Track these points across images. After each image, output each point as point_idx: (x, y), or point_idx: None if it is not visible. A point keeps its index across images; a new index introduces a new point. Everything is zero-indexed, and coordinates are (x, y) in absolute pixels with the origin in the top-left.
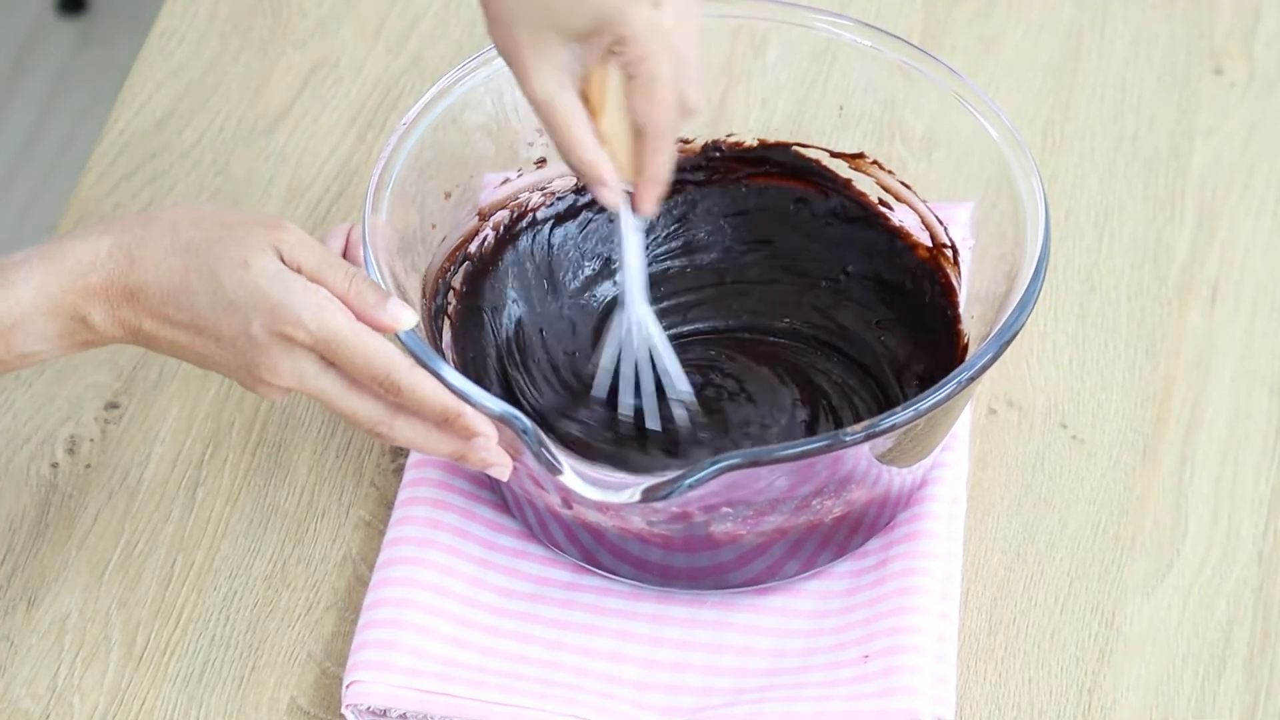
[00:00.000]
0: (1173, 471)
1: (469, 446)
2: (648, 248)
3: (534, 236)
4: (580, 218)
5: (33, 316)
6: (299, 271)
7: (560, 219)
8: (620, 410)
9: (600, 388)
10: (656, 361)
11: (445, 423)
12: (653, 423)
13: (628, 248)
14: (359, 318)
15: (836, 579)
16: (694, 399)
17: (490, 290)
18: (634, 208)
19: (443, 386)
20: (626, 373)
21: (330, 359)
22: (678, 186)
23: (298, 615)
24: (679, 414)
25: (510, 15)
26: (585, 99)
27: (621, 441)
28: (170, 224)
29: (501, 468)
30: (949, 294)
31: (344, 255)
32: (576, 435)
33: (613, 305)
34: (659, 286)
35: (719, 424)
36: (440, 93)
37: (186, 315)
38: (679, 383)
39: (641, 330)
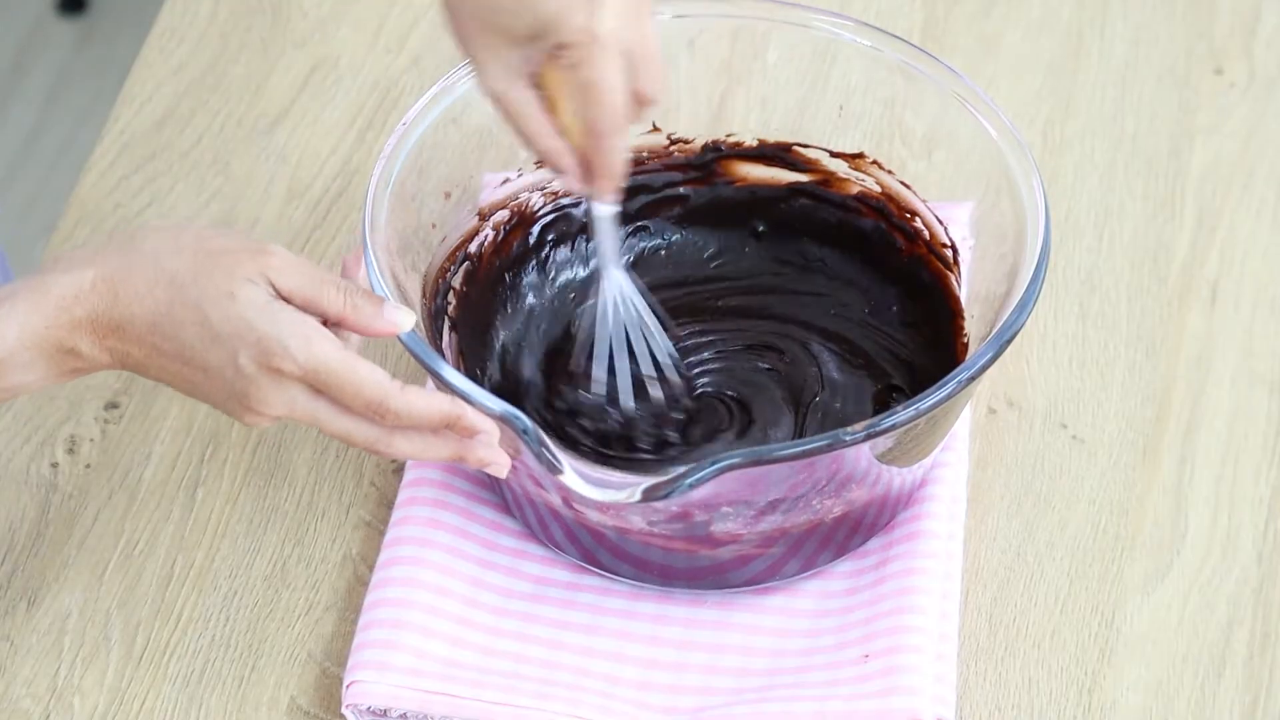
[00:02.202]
0: (1173, 471)
1: (468, 448)
2: (645, 249)
3: (533, 238)
4: (578, 221)
5: (18, 351)
6: (290, 296)
7: (557, 221)
8: (594, 387)
9: (584, 366)
10: (644, 331)
11: (448, 428)
12: (628, 399)
13: (599, 228)
14: (361, 331)
15: (837, 579)
16: (679, 366)
17: (490, 291)
18: (592, 197)
19: (437, 396)
20: (603, 351)
21: (320, 389)
22: (676, 186)
23: (298, 615)
24: (658, 394)
25: (461, 16)
26: (544, 91)
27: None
28: (151, 254)
29: (500, 465)
30: (949, 294)
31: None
32: (576, 430)
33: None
34: (656, 285)
35: (709, 417)
36: (440, 93)
37: (173, 346)
38: (664, 347)
39: (623, 300)
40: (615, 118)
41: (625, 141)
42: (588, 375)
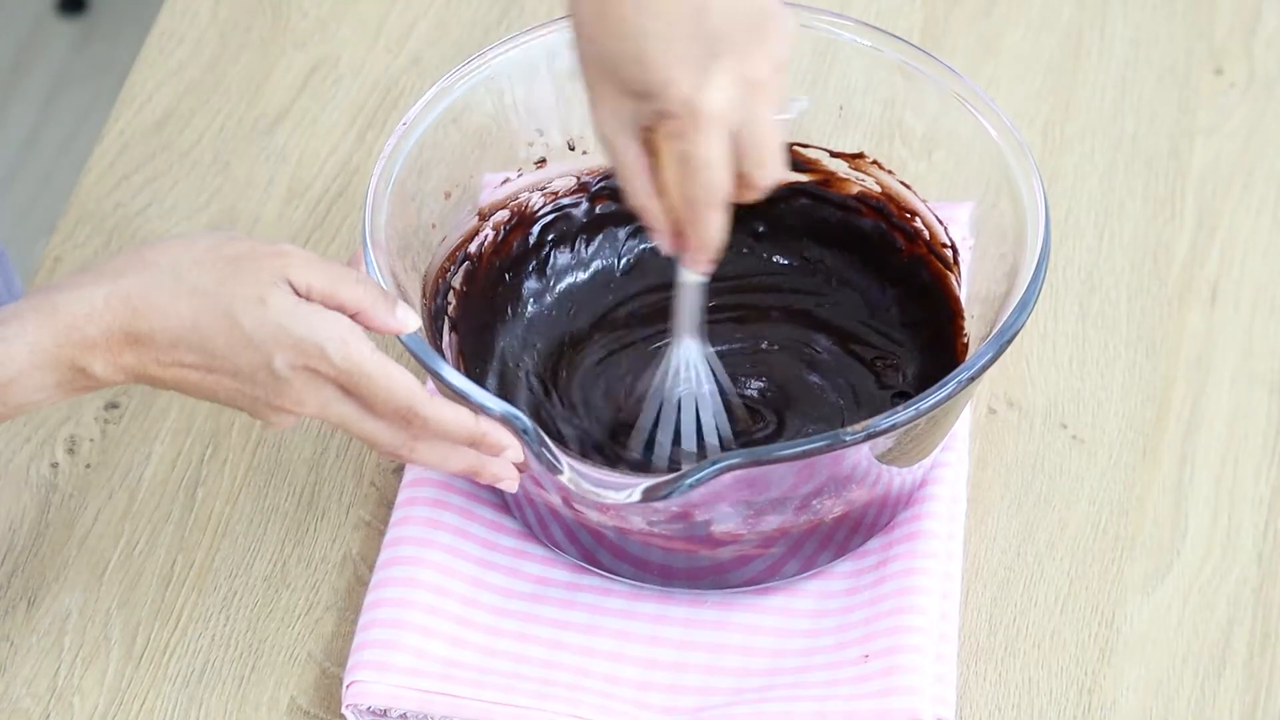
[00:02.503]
0: (1173, 471)
1: (485, 463)
2: (644, 249)
3: (533, 238)
4: (578, 222)
5: (29, 372)
6: (310, 292)
7: (557, 221)
8: (655, 457)
9: (640, 428)
10: (701, 413)
11: (471, 445)
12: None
13: (683, 291)
14: (372, 326)
15: (837, 579)
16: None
17: (490, 290)
18: (682, 263)
19: (464, 413)
20: (666, 415)
21: (352, 391)
22: None
23: (298, 615)
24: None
25: (587, 59)
26: (651, 145)
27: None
28: (170, 267)
29: (511, 481)
30: (949, 294)
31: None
32: (574, 434)
33: (615, 311)
34: (655, 286)
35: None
36: (440, 93)
37: (199, 357)
38: (716, 434)
39: (689, 371)
40: (711, 194)
41: (722, 218)
42: (629, 437)
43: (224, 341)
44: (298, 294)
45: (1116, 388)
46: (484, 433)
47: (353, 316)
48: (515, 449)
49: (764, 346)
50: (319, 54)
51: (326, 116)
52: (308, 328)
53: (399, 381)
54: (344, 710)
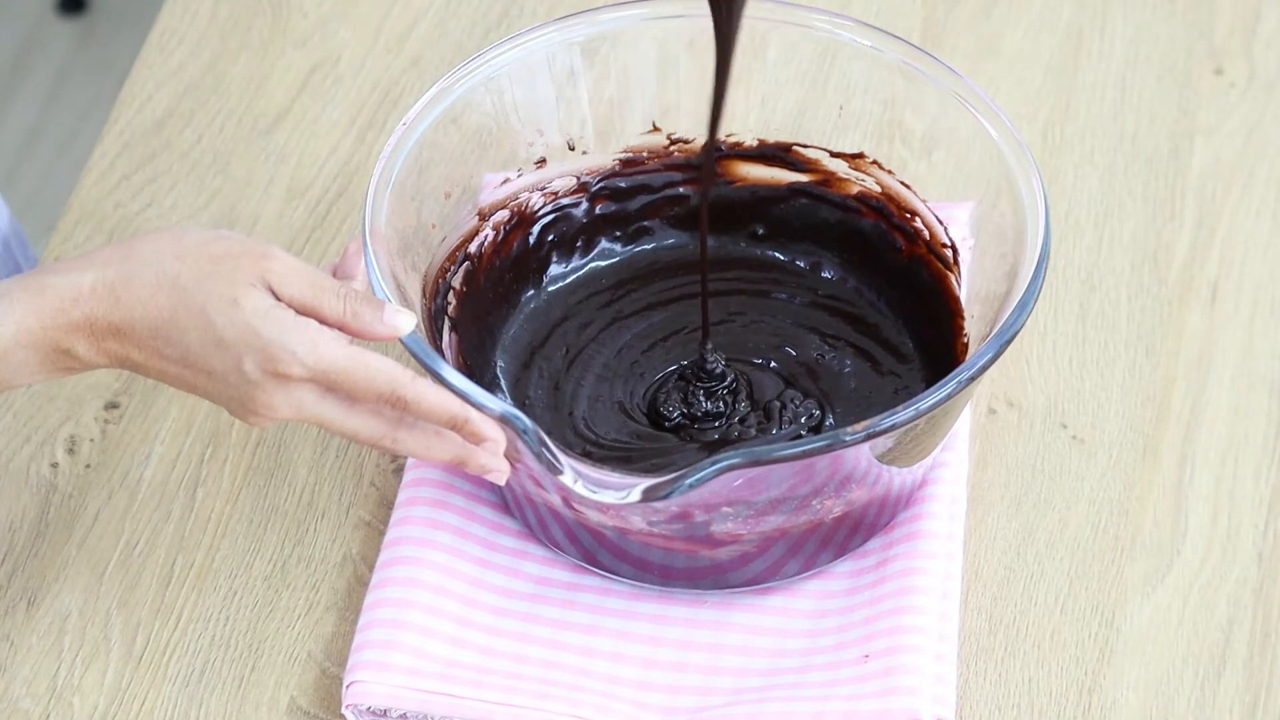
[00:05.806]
0: (1173, 471)
1: (471, 451)
2: (645, 249)
3: (533, 238)
4: (578, 222)
5: (13, 350)
6: (290, 302)
7: (557, 221)
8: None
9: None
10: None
11: (454, 429)
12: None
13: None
14: (359, 336)
15: (836, 579)
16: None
17: (490, 290)
18: None
19: (449, 394)
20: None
21: (330, 387)
22: (676, 186)
23: (298, 615)
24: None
25: None
26: None
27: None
28: (153, 258)
29: (500, 473)
30: (949, 294)
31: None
32: (578, 434)
33: (610, 313)
34: (655, 287)
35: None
36: (440, 93)
37: (176, 351)
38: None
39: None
40: None
41: None
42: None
43: (197, 339)
44: (277, 299)
45: (1116, 388)
46: (466, 418)
47: (338, 329)
48: (495, 442)
49: (763, 347)
50: (319, 54)
51: (326, 116)
52: (278, 332)
53: (377, 367)
54: (344, 710)
